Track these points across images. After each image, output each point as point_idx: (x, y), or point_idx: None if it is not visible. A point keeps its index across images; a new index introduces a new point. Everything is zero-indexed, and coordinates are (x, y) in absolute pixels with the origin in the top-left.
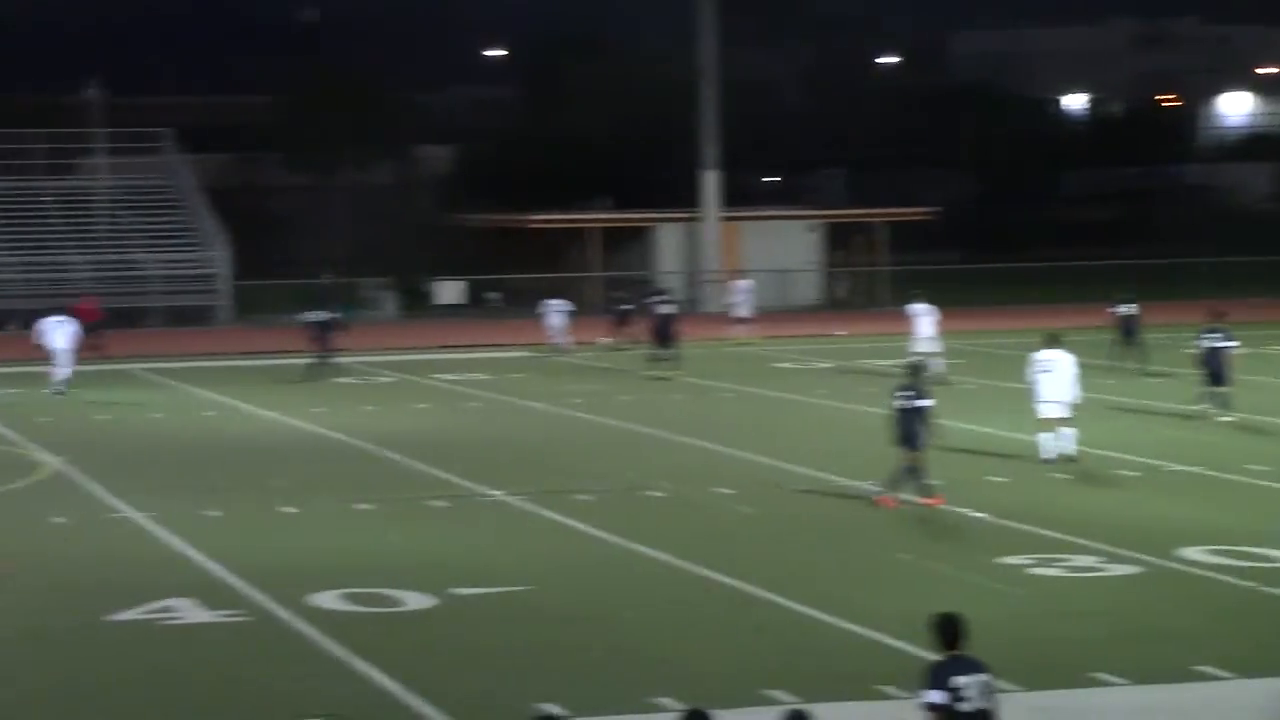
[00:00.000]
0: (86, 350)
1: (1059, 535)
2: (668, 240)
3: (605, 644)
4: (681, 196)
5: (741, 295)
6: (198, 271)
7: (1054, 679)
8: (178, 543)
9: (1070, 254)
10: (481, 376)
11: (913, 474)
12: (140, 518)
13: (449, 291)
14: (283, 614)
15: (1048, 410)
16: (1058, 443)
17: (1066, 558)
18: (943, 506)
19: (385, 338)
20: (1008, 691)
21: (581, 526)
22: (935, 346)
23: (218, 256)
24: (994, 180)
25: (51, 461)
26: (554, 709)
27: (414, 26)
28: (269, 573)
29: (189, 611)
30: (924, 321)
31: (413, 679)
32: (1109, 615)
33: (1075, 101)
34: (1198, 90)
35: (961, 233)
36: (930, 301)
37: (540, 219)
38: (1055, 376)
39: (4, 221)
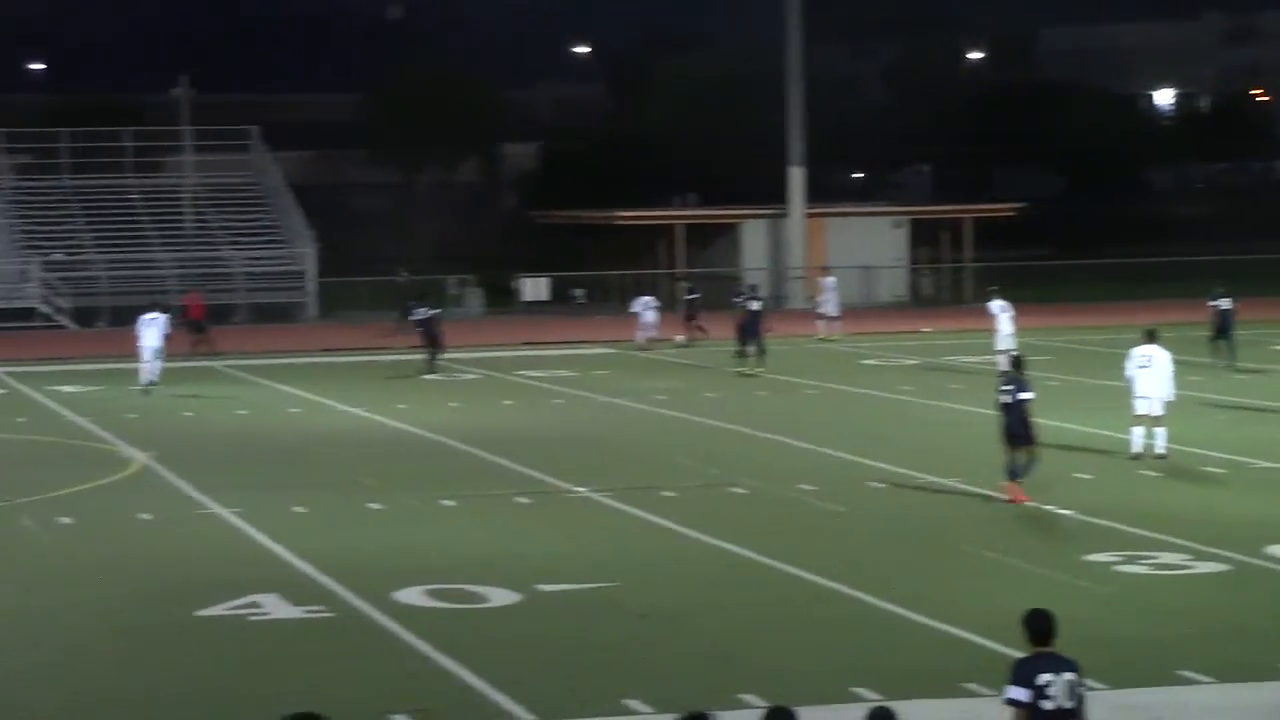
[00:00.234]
0: (191, 346)
1: (1146, 533)
2: (753, 237)
3: (689, 641)
4: (767, 193)
5: (826, 292)
6: (284, 269)
7: (1140, 677)
8: (264, 539)
9: (1157, 250)
10: (566, 373)
11: (1024, 465)
12: (227, 514)
13: (534, 288)
14: (368, 610)
15: (1144, 406)
16: (1148, 440)
17: (1153, 555)
18: (1028, 504)
19: (470, 335)
20: (1094, 689)
21: (665, 523)
22: (1012, 343)
23: (304, 254)
24: (1080, 176)
25: (139, 457)
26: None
27: (500, 24)
28: (355, 569)
29: (275, 607)
30: (1003, 318)
31: (497, 675)
32: (1195, 613)
33: (1163, 97)
34: None
35: (1047, 229)
36: (1006, 298)
37: (626, 215)
38: (1153, 372)
39: (93, 219)
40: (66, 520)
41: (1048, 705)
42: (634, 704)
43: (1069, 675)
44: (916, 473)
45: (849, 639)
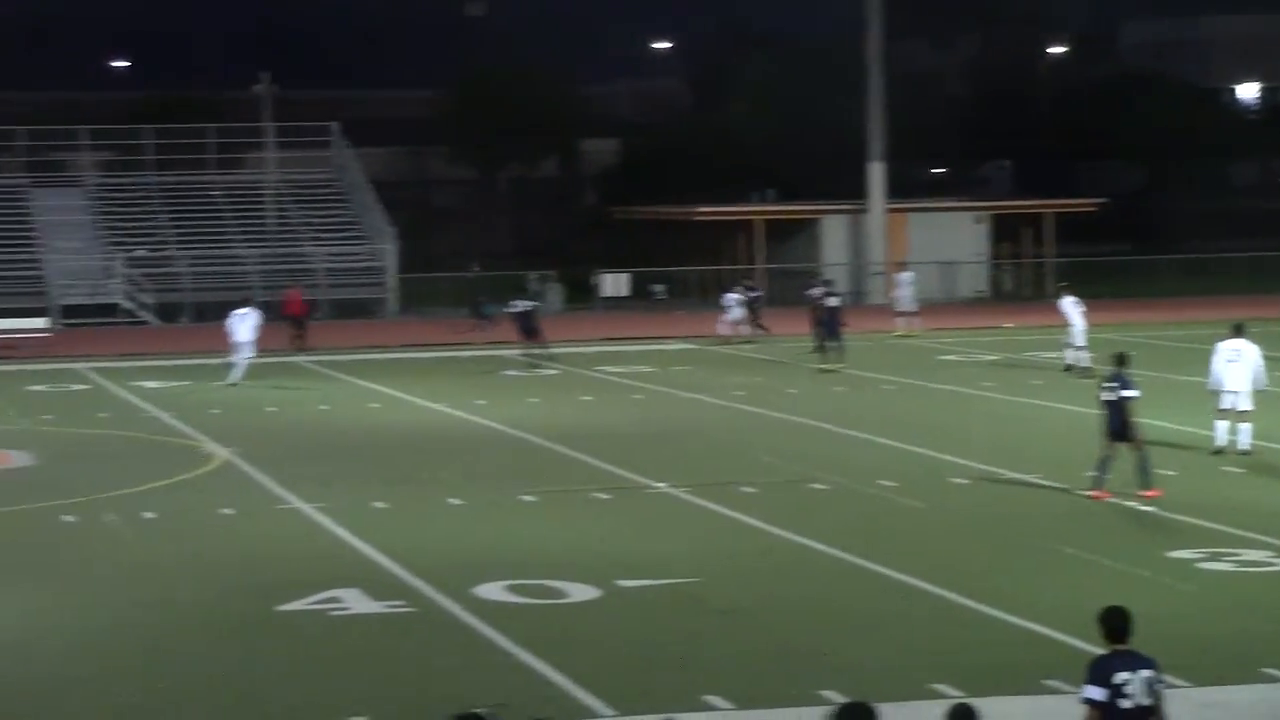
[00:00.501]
0: (290, 342)
1: (1229, 529)
2: (832, 232)
3: (769, 637)
4: (847, 188)
5: (903, 287)
6: (364, 264)
7: (1223, 674)
8: (344, 534)
9: (1239, 245)
10: (645, 369)
11: (1108, 464)
12: (308, 509)
13: (614, 284)
14: (448, 605)
15: (1229, 400)
16: (1232, 435)
17: (1237, 552)
18: (1108, 499)
19: (550, 330)
20: (1177, 687)
21: (745, 519)
22: (1085, 339)
23: (384, 250)
24: (1162, 170)
25: (221, 453)
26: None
27: (580, 19)
28: (435, 564)
29: (356, 602)
30: (1075, 314)
31: (576, 670)
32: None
33: (1247, 90)
34: None
35: (1129, 224)
36: (1083, 294)
37: (705, 211)
38: (1241, 366)
39: (175, 216)
40: (149, 515)
41: (1125, 704)
42: (714, 699)
43: (1146, 672)
44: (997, 468)
45: (929, 635)
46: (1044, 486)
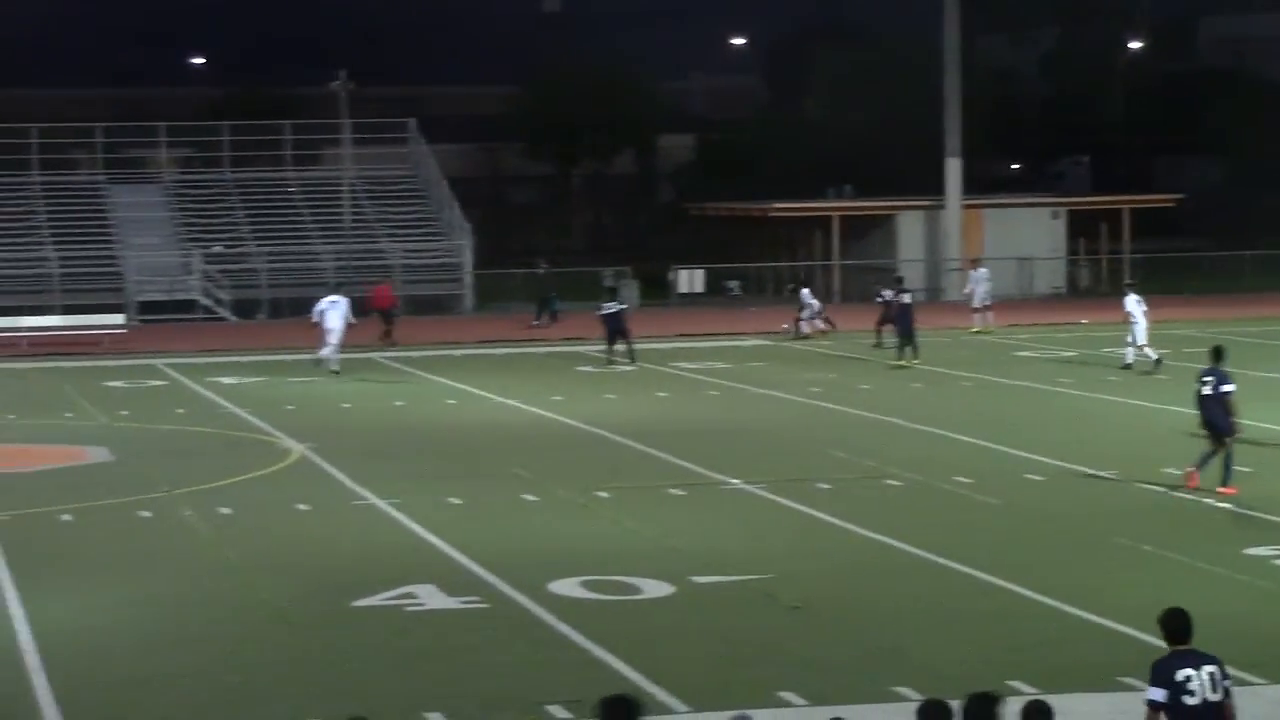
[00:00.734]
0: (381, 337)
1: None
2: (909, 228)
3: (844, 633)
4: (923, 184)
5: (977, 283)
6: (440, 261)
7: None
8: (419, 530)
9: None
10: (721, 365)
11: (1211, 459)
12: (383, 505)
13: (689, 280)
14: (523, 600)
15: None
16: None
17: None
18: (1187, 496)
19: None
20: (1251, 684)
21: (820, 515)
22: (1146, 338)
23: (460, 246)
24: (1241, 166)
25: (297, 449)
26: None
27: (656, 15)
28: (510, 560)
29: (431, 598)
30: (1138, 313)
31: (651, 666)
32: None
33: None
34: None
35: (1206, 220)
36: (1141, 293)
37: (781, 207)
38: None
39: (252, 212)
40: (226, 511)
41: (1191, 700)
42: (788, 696)
43: (1210, 668)
44: (1073, 465)
45: (1004, 632)
46: (1120, 483)
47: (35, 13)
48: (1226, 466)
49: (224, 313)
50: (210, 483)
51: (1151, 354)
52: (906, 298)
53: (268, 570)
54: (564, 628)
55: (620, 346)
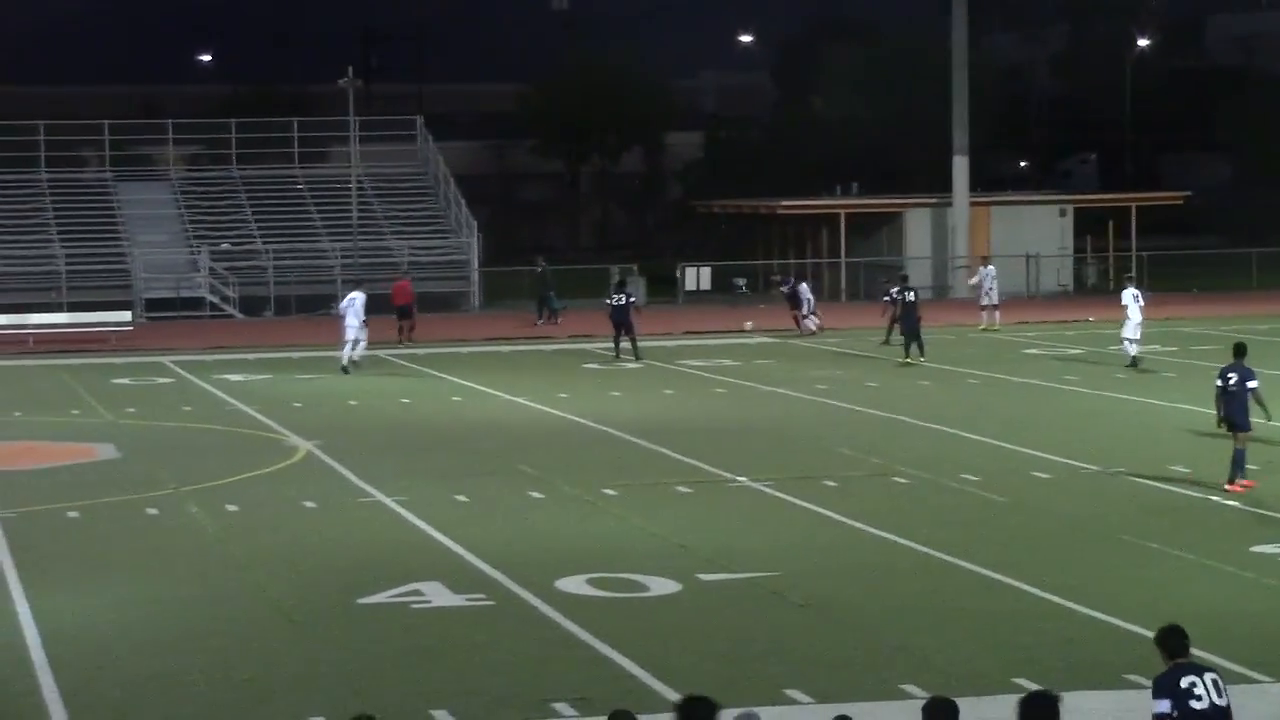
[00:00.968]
0: (399, 333)
1: None
2: (916, 226)
3: (850, 631)
4: (931, 181)
5: (985, 281)
6: (448, 258)
7: None
8: (426, 527)
9: None
10: (728, 362)
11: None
12: (389, 502)
13: (696, 277)
14: (529, 598)
15: None
16: None
17: None
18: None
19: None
20: (1260, 682)
21: (827, 512)
22: (1138, 333)
23: (467, 243)
24: (1249, 164)
25: (304, 446)
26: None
27: (664, 12)
28: (516, 557)
29: (437, 595)
30: (1134, 308)
31: (657, 664)
32: None
33: None
34: None
35: (1214, 217)
36: (1139, 287)
37: (789, 205)
38: None
39: (260, 209)
40: (232, 508)
41: (1198, 704)
42: (795, 694)
43: (1211, 675)
44: (1080, 463)
45: (1011, 630)
46: (1127, 480)
47: (45, 10)
48: (1239, 464)
49: (231, 310)
50: (217, 480)
51: (1130, 349)
52: (911, 295)
53: (274, 568)
54: (571, 625)
55: (625, 344)
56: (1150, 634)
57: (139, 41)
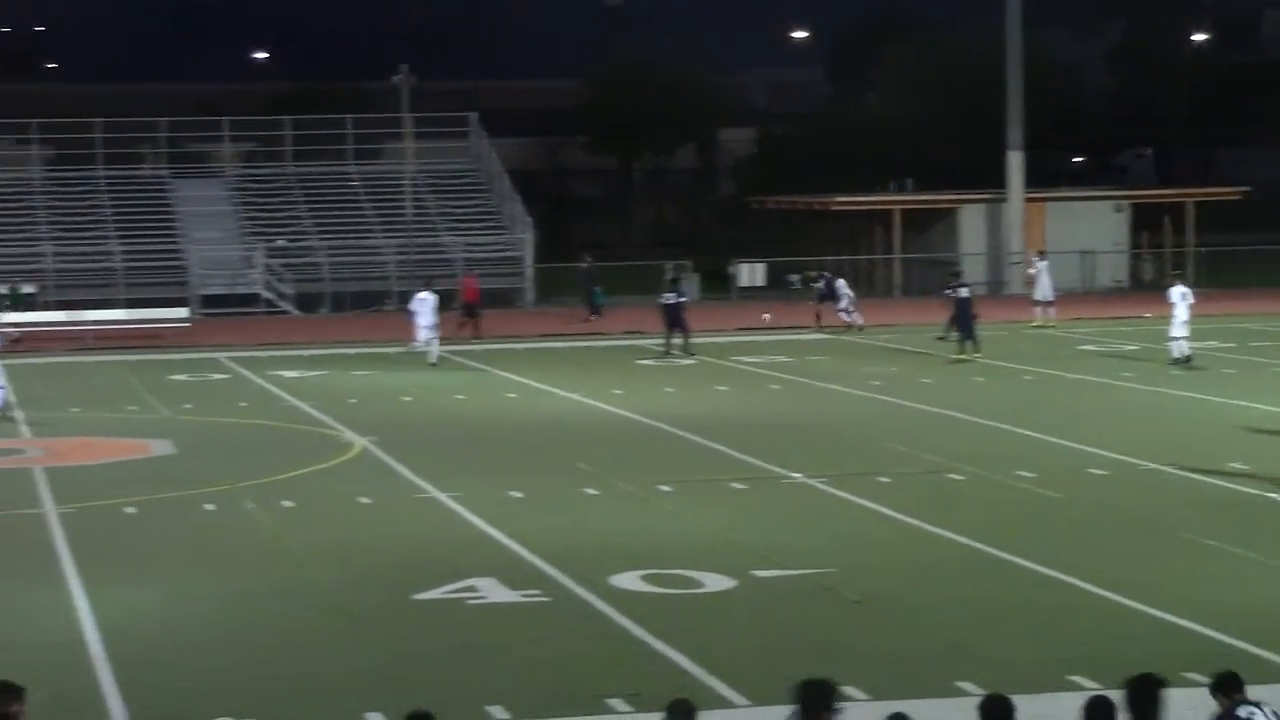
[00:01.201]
0: (459, 329)
1: None
2: (971, 222)
3: (905, 628)
4: (985, 177)
5: (1039, 276)
6: (502, 254)
7: None
8: (481, 523)
9: None
10: (782, 358)
11: None
12: (445, 498)
13: (750, 274)
14: (584, 594)
15: None
16: None
17: None
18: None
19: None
20: None
21: (881, 509)
22: (1186, 331)
23: (521, 239)
24: None
25: (359, 442)
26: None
27: (718, 8)
28: (571, 553)
29: (492, 591)
30: (1181, 306)
31: (711, 660)
32: None
33: None
34: None
35: (1273, 212)
36: (1189, 284)
37: (842, 201)
38: None
39: (314, 206)
40: (288, 504)
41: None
42: (849, 691)
43: (1269, 707)
44: (1136, 459)
45: (1066, 627)
46: (1183, 477)
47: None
48: None
49: (286, 306)
50: (273, 476)
51: (1174, 350)
52: (965, 291)
53: (330, 563)
54: (625, 621)
55: (677, 340)
56: (1207, 631)
57: (195, 40)
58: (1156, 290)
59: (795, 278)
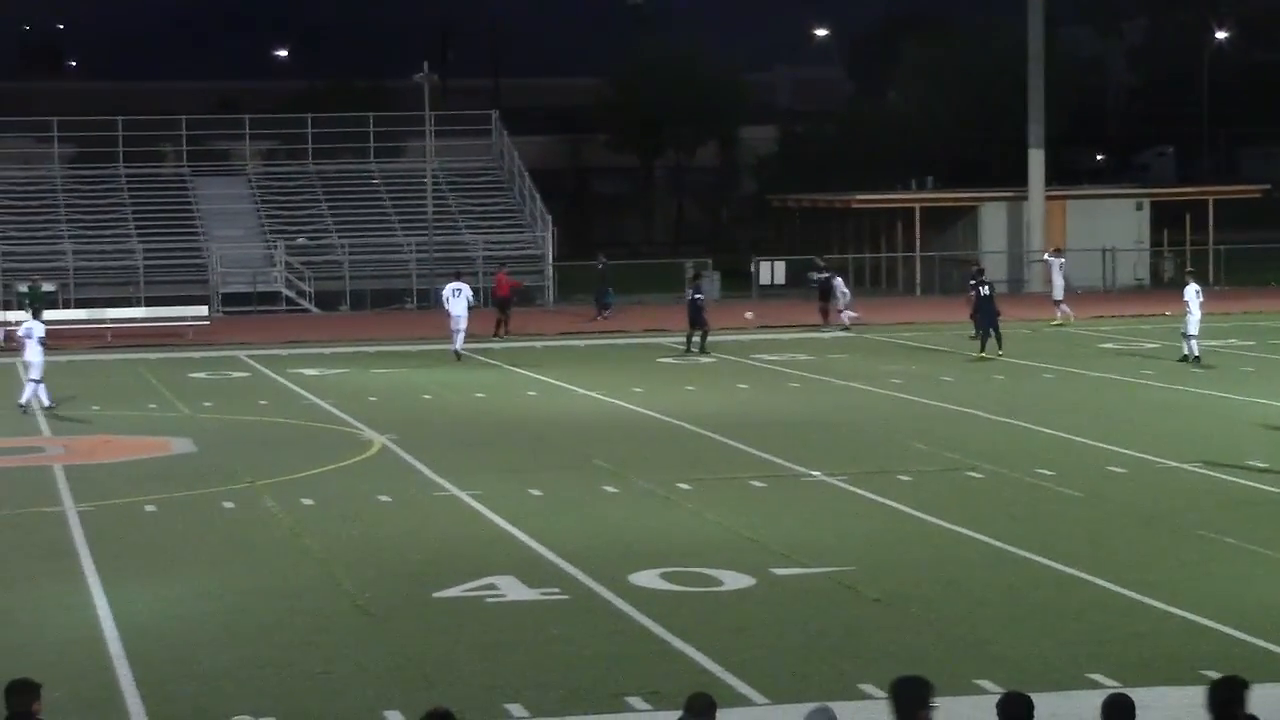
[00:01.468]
0: (495, 326)
1: None
2: (991, 220)
3: (924, 626)
4: (1006, 175)
5: (1056, 273)
6: (523, 252)
7: None
8: (501, 521)
9: None
10: (802, 356)
11: None
12: (464, 496)
13: (770, 272)
14: (603, 592)
15: None
16: None
17: None
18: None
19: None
20: None
21: (901, 507)
22: (1198, 329)
23: (542, 237)
24: None
25: (378, 440)
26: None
27: (739, 7)
28: (590, 551)
29: (512, 589)
30: (1194, 304)
31: (730, 658)
32: None
33: None
34: None
35: None
36: (1207, 282)
37: (863, 199)
38: None
39: (335, 204)
40: (308, 501)
41: None
42: (868, 688)
43: None
44: (1156, 458)
45: (1085, 625)
46: (1203, 475)
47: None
48: None
49: (307, 304)
50: (293, 474)
51: (1186, 348)
52: (986, 289)
53: (349, 561)
54: (644, 619)
55: (696, 337)
56: (1226, 629)
57: (216, 38)
58: (1177, 288)
59: (816, 276)
